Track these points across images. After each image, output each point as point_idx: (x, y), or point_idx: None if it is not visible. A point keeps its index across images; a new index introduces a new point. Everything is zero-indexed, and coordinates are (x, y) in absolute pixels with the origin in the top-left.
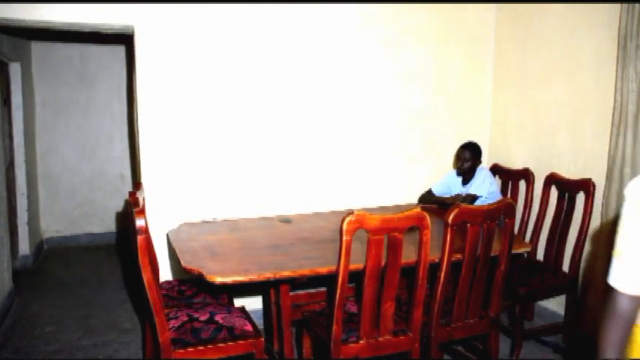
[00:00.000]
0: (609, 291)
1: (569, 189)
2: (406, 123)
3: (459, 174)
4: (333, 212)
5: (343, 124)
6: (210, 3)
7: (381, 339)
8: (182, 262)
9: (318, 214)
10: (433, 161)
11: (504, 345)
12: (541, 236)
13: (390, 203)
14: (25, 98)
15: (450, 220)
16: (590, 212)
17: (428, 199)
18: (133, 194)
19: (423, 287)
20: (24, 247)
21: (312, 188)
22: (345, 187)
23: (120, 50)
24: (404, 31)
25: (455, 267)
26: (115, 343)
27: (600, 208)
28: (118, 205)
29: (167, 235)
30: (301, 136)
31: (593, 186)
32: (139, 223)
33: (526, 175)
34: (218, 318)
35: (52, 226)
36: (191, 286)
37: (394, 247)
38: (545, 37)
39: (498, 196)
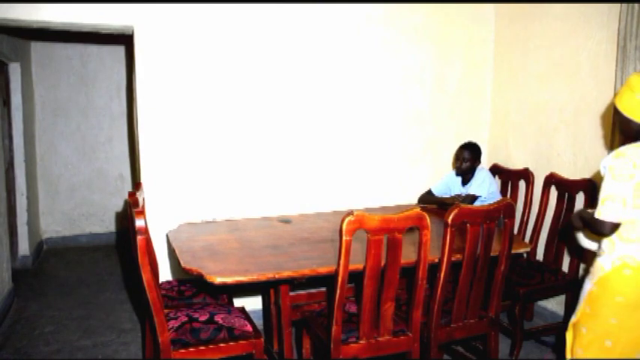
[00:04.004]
0: (596, 222)
1: (568, 189)
2: (406, 123)
3: (457, 174)
4: (333, 212)
5: (343, 125)
6: (210, 3)
7: (380, 339)
8: (182, 263)
9: (317, 215)
10: (433, 161)
11: (504, 345)
12: (541, 236)
13: (389, 203)
14: (24, 98)
15: (449, 220)
16: None
17: (428, 199)
18: (132, 194)
19: (423, 287)
20: (23, 248)
21: (312, 188)
22: (345, 188)
23: (120, 50)
24: (404, 31)
25: (455, 267)
26: (115, 343)
27: None
28: (118, 205)
29: (167, 235)
30: (301, 136)
31: (593, 186)
32: (139, 223)
33: (526, 175)
34: (218, 318)
35: (52, 227)
36: (191, 286)
37: (394, 248)
38: (544, 37)
39: (498, 197)
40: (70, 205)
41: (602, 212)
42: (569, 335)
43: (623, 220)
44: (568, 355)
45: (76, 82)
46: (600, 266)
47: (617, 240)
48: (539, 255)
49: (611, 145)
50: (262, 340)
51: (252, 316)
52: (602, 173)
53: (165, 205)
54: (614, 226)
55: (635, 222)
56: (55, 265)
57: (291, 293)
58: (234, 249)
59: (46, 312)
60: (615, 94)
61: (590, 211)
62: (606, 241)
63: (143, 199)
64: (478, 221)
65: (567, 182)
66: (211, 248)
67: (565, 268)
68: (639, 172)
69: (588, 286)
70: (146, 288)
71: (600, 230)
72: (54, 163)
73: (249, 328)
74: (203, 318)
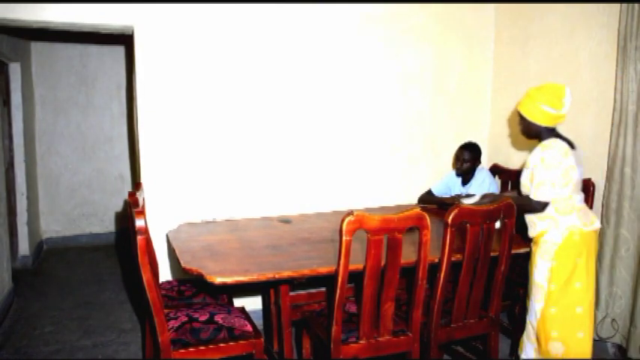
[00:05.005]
0: (532, 202)
1: None
2: (406, 123)
3: (458, 174)
4: (333, 212)
5: (343, 125)
6: (210, 3)
7: (380, 339)
8: (182, 263)
9: (317, 215)
10: (433, 161)
11: (504, 345)
12: None
13: (389, 203)
14: (24, 98)
15: (449, 220)
16: None
17: (428, 199)
18: (132, 194)
19: (423, 287)
20: (23, 248)
21: (312, 188)
22: (345, 188)
23: (120, 50)
24: (404, 31)
25: (455, 267)
26: (115, 343)
27: (601, 209)
28: (118, 205)
29: (167, 235)
30: (301, 136)
31: (593, 186)
32: (139, 223)
33: None
34: (218, 318)
35: (52, 227)
36: (191, 286)
37: (394, 248)
38: (544, 37)
39: None
40: (70, 205)
41: (537, 194)
42: (541, 331)
43: (551, 200)
44: (525, 355)
45: (76, 82)
46: (552, 242)
47: (558, 215)
48: None
49: (610, 144)
50: (262, 340)
51: (252, 316)
52: (531, 163)
53: (165, 205)
54: (545, 205)
55: (567, 198)
56: (55, 265)
57: (291, 293)
58: (234, 249)
59: (46, 312)
60: (517, 103)
61: (510, 194)
62: (549, 220)
63: (143, 199)
64: (478, 221)
65: None
66: (211, 248)
67: None
68: (565, 160)
69: (547, 265)
70: (146, 288)
71: (535, 207)
72: (54, 163)
73: (249, 328)
74: (203, 318)
